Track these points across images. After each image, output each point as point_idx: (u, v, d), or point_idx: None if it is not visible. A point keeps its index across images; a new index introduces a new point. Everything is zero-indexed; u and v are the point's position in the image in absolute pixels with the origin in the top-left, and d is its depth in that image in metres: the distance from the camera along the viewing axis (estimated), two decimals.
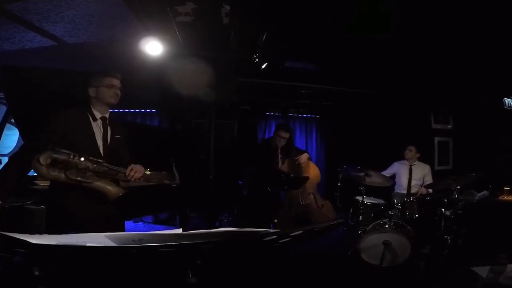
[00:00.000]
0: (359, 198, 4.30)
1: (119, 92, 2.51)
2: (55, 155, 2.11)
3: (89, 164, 2.21)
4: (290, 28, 3.87)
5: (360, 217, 4.26)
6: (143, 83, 4.54)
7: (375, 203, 4.41)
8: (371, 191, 4.53)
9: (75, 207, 2.29)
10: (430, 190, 4.57)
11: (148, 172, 2.69)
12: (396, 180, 5.04)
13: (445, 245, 3.76)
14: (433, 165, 6.07)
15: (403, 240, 3.51)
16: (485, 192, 4.64)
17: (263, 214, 4.28)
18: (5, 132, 3.65)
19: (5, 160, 4.93)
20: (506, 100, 6.01)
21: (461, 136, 6.70)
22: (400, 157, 5.09)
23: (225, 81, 4.67)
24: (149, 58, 3.69)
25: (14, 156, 2.36)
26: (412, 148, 5.00)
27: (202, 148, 4.80)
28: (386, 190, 4.89)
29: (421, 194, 4.47)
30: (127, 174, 2.38)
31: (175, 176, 2.70)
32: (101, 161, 2.27)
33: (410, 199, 4.14)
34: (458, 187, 3.95)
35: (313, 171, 4.37)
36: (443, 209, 3.85)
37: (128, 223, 5.15)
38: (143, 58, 3.68)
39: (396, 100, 6.18)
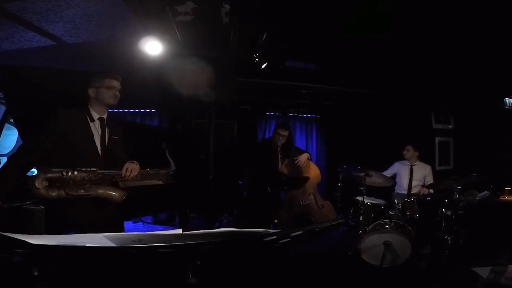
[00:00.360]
0: (360, 198, 4.29)
1: (118, 94, 2.51)
2: (48, 175, 2.14)
3: (84, 175, 2.23)
4: (290, 28, 3.86)
5: (361, 217, 4.25)
6: (143, 82, 4.53)
7: (376, 203, 4.40)
8: (372, 191, 4.52)
9: (75, 209, 2.29)
10: (431, 190, 4.56)
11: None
12: (396, 180, 5.03)
13: (445, 246, 3.75)
14: (434, 165, 6.06)
15: (404, 241, 3.50)
16: (486, 192, 4.63)
17: (263, 215, 4.27)
18: (4, 132, 3.63)
19: (4, 160, 4.93)
20: (507, 100, 6.00)
21: (462, 136, 6.70)
22: (401, 157, 5.09)
23: (225, 81, 4.66)
24: (148, 58, 3.68)
25: (13, 156, 2.35)
26: (410, 147, 4.98)
27: (202, 148, 4.80)
28: (387, 190, 4.88)
29: (422, 194, 4.46)
30: (123, 175, 2.40)
31: (171, 163, 2.67)
32: (95, 169, 2.28)
33: (410, 200, 4.13)
34: (459, 187, 3.94)
35: (313, 171, 4.36)
36: (443, 210, 3.84)
37: (127, 224, 5.15)
38: (143, 57, 3.68)
39: (397, 100, 6.17)
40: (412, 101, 6.23)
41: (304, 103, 6.47)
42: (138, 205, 3.38)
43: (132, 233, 1.06)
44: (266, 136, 6.55)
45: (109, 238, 1.04)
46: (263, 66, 4.40)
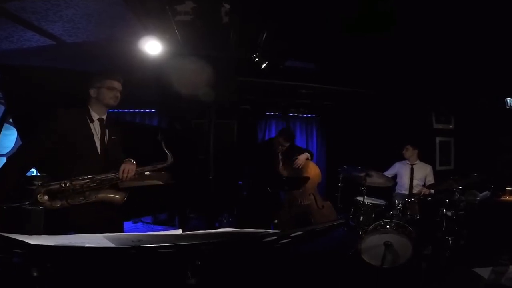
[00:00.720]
0: (360, 198, 4.28)
1: (119, 95, 2.52)
2: (47, 189, 2.18)
3: (82, 183, 2.26)
4: (290, 27, 3.85)
5: (361, 217, 4.24)
6: (142, 82, 4.52)
7: (376, 203, 4.40)
8: (372, 191, 4.52)
9: (75, 210, 2.29)
10: (432, 191, 4.55)
11: (147, 173, 2.68)
12: (397, 180, 5.02)
13: (446, 246, 3.75)
14: (434, 165, 6.06)
15: (404, 241, 3.49)
16: (487, 192, 4.63)
17: (263, 215, 4.26)
18: (3, 132, 3.62)
19: (3, 160, 4.93)
20: (508, 100, 5.99)
21: (463, 136, 6.69)
22: (401, 158, 5.08)
23: (225, 81, 4.65)
24: (148, 58, 3.67)
25: (13, 157, 2.34)
26: (409, 146, 4.98)
27: (201, 148, 4.78)
28: (387, 191, 4.88)
29: (423, 194, 4.46)
30: (120, 177, 2.40)
31: (167, 156, 2.66)
32: (92, 176, 2.29)
33: (411, 200, 4.12)
34: (460, 187, 3.93)
35: (313, 171, 4.34)
36: (444, 210, 3.84)
37: (127, 224, 5.13)
38: (142, 57, 3.66)
39: (397, 100, 6.16)
40: (413, 101, 6.22)
41: (304, 103, 6.47)
42: (137, 205, 3.37)
43: (132, 234, 1.06)
44: (266, 136, 6.55)
45: (108, 238, 1.04)
46: (263, 66, 4.39)
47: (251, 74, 4.91)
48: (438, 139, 6.73)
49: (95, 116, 2.48)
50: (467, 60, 4.56)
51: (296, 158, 4.22)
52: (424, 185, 4.81)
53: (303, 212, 4.22)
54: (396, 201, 4.22)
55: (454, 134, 6.86)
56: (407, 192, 4.83)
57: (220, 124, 5.24)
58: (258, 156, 4.54)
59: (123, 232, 2.70)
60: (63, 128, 2.31)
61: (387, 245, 3.44)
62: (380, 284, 3.43)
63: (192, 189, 4.56)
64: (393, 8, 3.34)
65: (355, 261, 3.70)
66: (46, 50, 3.82)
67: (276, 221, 4.17)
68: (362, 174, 4.24)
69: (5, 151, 5.01)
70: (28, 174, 2.95)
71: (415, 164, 4.96)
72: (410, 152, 4.98)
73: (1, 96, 4.31)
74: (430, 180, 4.87)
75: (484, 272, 3.04)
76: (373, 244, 3.57)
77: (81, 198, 2.26)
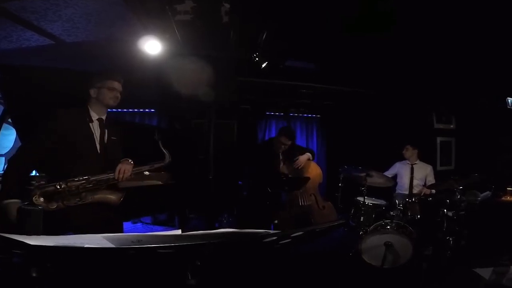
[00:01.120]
0: (361, 198, 4.27)
1: (119, 95, 2.52)
2: (43, 191, 2.17)
3: (78, 184, 2.26)
4: (290, 27, 3.84)
5: (362, 218, 4.23)
6: (142, 82, 4.51)
7: (377, 203, 4.39)
8: (373, 191, 4.51)
9: (74, 210, 2.29)
10: (433, 191, 4.55)
11: (146, 173, 2.67)
12: (397, 180, 5.02)
13: (447, 246, 3.74)
14: (435, 165, 6.05)
15: (405, 241, 3.49)
16: (487, 192, 4.62)
17: (263, 215, 4.24)
18: (2, 132, 3.62)
19: (2, 160, 4.92)
20: (509, 99, 5.98)
21: (464, 136, 6.68)
22: (402, 158, 5.08)
23: (225, 81, 4.65)
24: (148, 57, 3.66)
25: (14, 159, 2.32)
26: (409, 146, 4.99)
27: (201, 148, 4.77)
28: (388, 191, 4.87)
29: (424, 194, 4.45)
30: (116, 177, 2.40)
31: (165, 155, 2.66)
32: (87, 177, 2.29)
33: (412, 200, 4.11)
34: (461, 187, 3.92)
35: (314, 171, 4.32)
36: (445, 210, 3.83)
37: (126, 224, 5.12)
38: (142, 57, 3.66)
39: (398, 100, 6.16)
40: (413, 101, 6.22)
41: (304, 103, 6.47)
42: (137, 205, 3.37)
43: (131, 234, 1.06)
44: (266, 136, 6.54)
45: (108, 239, 1.04)
46: (263, 66, 4.38)
47: (251, 74, 4.91)
48: (439, 139, 6.72)
49: (95, 116, 2.48)
50: (467, 60, 4.55)
51: (297, 159, 4.20)
52: (424, 185, 4.80)
53: (304, 212, 4.21)
54: (397, 201, 4.22)
55: (455, 134, 6.85)
56: (407, 192, 4.83)
57: (220, 124, 5.23)
58: (258, 156, 4.52)
59: (122, 232, 2.70)
60: (63, 128, 2.31)
61: (388, 245, 3.43)
62: (381, 284, 3.42)
63: (192, 189, 4.56)
64: (393, 8, 3.33)
65: (356, 261, 3.70)
66: (46, 50, 3.81)
67: (276, 222, 4.15)
68: (363, 174, 4.23)
69: (4, 151, 5.00)
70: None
71: (415, 164, 4.96)
72: (410, 152, 4.98)
73: (0, 96, 4.30)
74: (431, 180, 4.87)
75: (485, 272, 3.04)
76: (373, 244, 3.56)
77: (77, 199, 2.26)
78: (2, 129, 3.58)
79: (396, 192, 5.00)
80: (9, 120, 3.92)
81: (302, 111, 7.00)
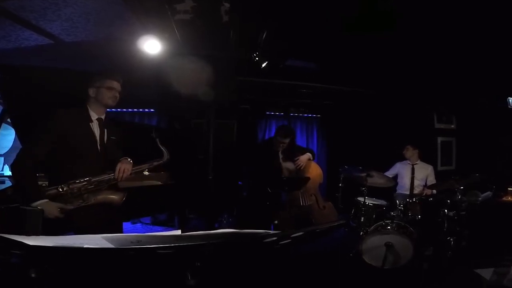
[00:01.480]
0: (361, 199, 4.27)
1: (118, 95, 2.53)
2: (46, 194, 2.19)
3: (79, 186, 2.27)
4: (290, 26, 3.83)
5: (362, 218, 4.22)
6: (142, 82, 4.50)
7: (377, 204, 4.38)
8: (373, 192, 4.50)
9: (73, 211, 2.30)
10: (434, 191, 4.54)
11: (146, 173, 2.67)
12: (398, 180, 5.01)
13: (448, 247, 3.74)
14: (436, 165, 6.04)
15: (406, 242, 3.48)
16: (488, 193, 4.61)
17: (263, 215, 4.23)
18: (1, 132, 3.61)
19: (1, 160, 4.91)
20: (510, 99, 5.97)
21: (465, 136, 6.67)
22: (402, 158, 5.07)
23: (224, 80, 4.63)
24: (147, 57, 3.65)
25: (17, 161, 2.29)
26: (409, 146, 4.99)
27: (201, 148, 4.76)
28: (388, 191, 4.86)
29: (425, 195, 4.45)
30: (116, 177, 2.42)
31: (163, 153, 2.65)
32: (88, 178, 2.30)
33: (412, 200, 4.10)
34: (461, 188, 3.92)
35: (314, 171, 4.31)
36: (446, 210, 3.83)
37: (126, 225, 5.10)
38: (142, 56, 3.65)
39: (398, 100, 6.15)
40: (414, 100, 6.21)
41: (305, 103, 6.46)
42: (136, 206, 3.35)
43: (131, 234, 1.05)
44: (266, 135, 6.53)
45: (107, 239, 1.03)
46: (263, 65, 4.37)
47: (251, 73, 4.90)
48: (439, 139, 6.71)
49: (94, 116, 2.49)
50: (468, 60, 4.55)
51: (298, 159, 4.19)
52: (425, 186, 4.79)
53: (304, 212, 4.19)
54: (397, 201, 4.21)
55: (455, 134, 6.84)
56: (408, 193, 4.82)
57: (220, 124, 5.22)
58: (258, 156, 4.51)
59: (122, 233, 2.69)
60: (62, 128, 2.32)
61: (388, 246, 3.42)
62: (381, 285, 3.41)
63: (192, 190, 4.54)
64: (393, 7, 3.32)
65: (356, 262, 3.69)
66: (45, 50, 3.80)
67: (276, 222, 4.14)
68: (363, 175, 4.22)
69: (3, 151, 5.00)
70: None
71: (416, 164, 4.95)
72: (410, 152, 4.98)
73: None
74: (432, 180, 4.86)
75: (486, 273, 3.03)
76: (374, 245, 3.55)
77: (79, 201, 2.28)
78: (1, 129, 3.57)
79: (397, 192, 4.99)
80: (8, 120, 3.91)
81: (302, 111, 6.99)
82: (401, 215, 4.00)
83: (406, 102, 6.24)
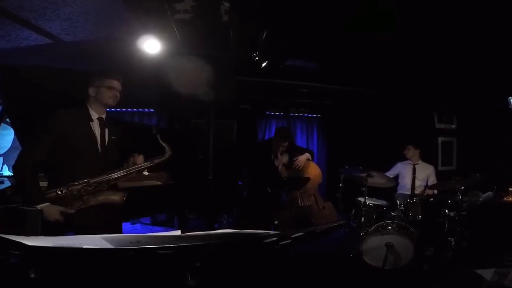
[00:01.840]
0: (361, 199, 4.25)
1: (118, 95, 2.52)
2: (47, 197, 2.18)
3: (79, 187, 2.26)
4: (290, 26, 3.82)
5: (362, 218, 4.21)
6: (141, 82, 4.49)
7: (378, 204, 4.37)
8: (374, 192, 4.49)
9: (76, 214, 2.29)
10: (435, 191, 4.53)
11: (146, 173, 2.66)
12: (399, 180, 5.01)
13: (448, 247, 3.73)
14: (436, 165, 6.03)
15: (406, 242, 3.47)
16: (489, 193, 4.60)
17: (263, 216, 4.23)
18: (0, 132, 3.60)
19: (0, 160, 4.91)
20: (511, 99, 5.96)
21: (465, 136, 6.67)
22: (403, 158, 5.06)
23: (224, 80, 4.63)
24: (147, 57, 3.65)
25: (18, 163, 2.29)
26: (410, 146, 4.98)
27: (201, 148, 4.75)
28: (389, 191, 4.85)
29: (427, 195, 4.44)
30: (126, 171, 2.43)
31: (165, 149, 2.63)
32: (87, 179, 2.29)
33: (413, 200, 4.09)
34: (462, 188, 3.91)
35: (314, 171, 4.30)
36: (446, 210, 3.82)
37: (125, 225, 5.10)
38: (141, 56, 3.64)
39: (399, 100, 6.15)
40: (414, 100, 6.20)
41: (305, 103, 6.46)
42: (136, 206, 3.34)
43: (130, 235, 1.05)
44: (266, 136, 6.53)
45: (106, 239, 1.03)
46: (263, 65, 4.36)
47: (251, 73, 4.90)
48: (440, 139, 6.71)
49: (95, 116, 2.48)
50: (468, 60, 4.54)
51: (297, 159, 4.18)
52: (426, 186, 4.79)
53: (303, 213, 4.19)
54: (398, 201, 4.20)
55: (456, 134, 6.83)
56: (409, 193, 4.81)
57: (220, 124, 5.21)
58: (258, 156, 4.50)
59: (121, 233, 2.68)
60: (62, 128, 2.31)
61: (389, 246, 3.42)
62: (382, 285, 3.41)
63: (191, 190, 4.54)
64: (393, 7, 3.32)
65: (356, 262, 3.68)
66: (44, 49, 3.80)
67: (276, 222, 4.14)
68: (364, 175, 4.21)
69: (2, 151, 5.00)
70: None
71: (417, 164, 4.94)
72: (411, 152, 4.97)
73: None
74: (433, 180, 4.85)
75: (487, 273, 3.02)
76: (374, 245, 3.54)
77: (80, 203, 2.27)
78: (0, 129, 3.56)
79: (398, 192, 4.98)
80: (7, 120, 3.90)
81: (302, 111, 6.99)
82: (402, 215, 3.99)
83: (406, 102, 6.23)
